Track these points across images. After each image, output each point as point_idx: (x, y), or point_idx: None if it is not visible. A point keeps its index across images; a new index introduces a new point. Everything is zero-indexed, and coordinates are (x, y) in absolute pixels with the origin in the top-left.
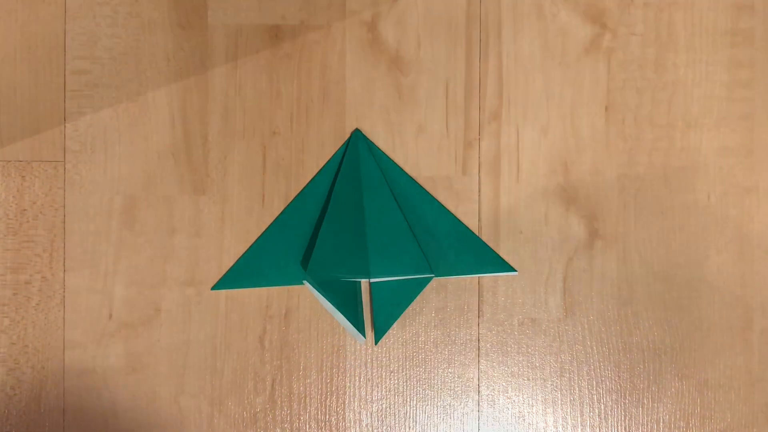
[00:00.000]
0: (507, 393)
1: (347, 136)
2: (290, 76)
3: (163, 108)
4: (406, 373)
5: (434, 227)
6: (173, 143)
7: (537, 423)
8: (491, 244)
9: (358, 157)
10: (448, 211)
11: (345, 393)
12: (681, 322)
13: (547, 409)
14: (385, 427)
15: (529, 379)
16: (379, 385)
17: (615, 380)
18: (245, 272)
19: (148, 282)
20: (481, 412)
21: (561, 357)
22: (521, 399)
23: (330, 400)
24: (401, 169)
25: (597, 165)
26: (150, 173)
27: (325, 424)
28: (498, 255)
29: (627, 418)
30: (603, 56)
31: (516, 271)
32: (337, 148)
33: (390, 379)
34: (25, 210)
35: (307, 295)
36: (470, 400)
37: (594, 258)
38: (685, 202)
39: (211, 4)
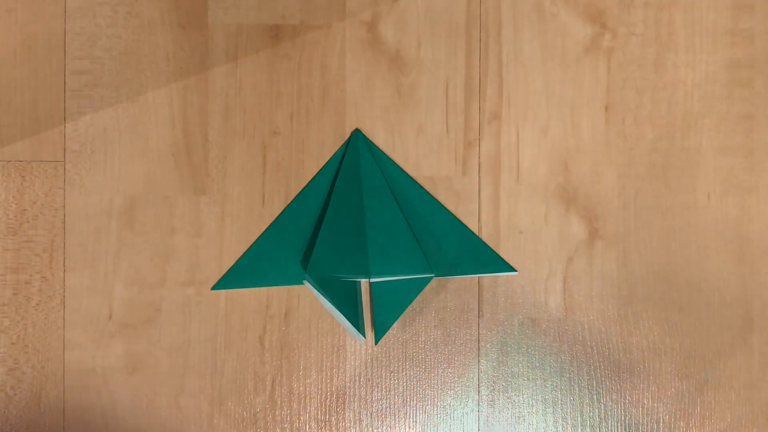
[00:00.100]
0: (507, 393)
1: (347, 136)
2: (290, 76)
3: (163, 108)
4: (406, 373)
5: (434, 227)
6: (173, 143)
7: (537, 423)
8: (491, 244)
9: (358, 157)
10: (448, 211)
11: (345, 393)
12: (681, 322)
13: (547, 409)
14: (385, 427)
15: (529, 379)
16: (379, 385)
17: (615, 380)
18: (245, 272)
19: (148, 282)
20: (481, 412)
21: (561, 357)
22: (521, 399)
23: (330, 400)
24: (401, 169)
25: (597, 165)
26: (150, 173)
27: (325, 424)
28: (498, 255)
29: (627, 418)
30: (603, 56)
31: (516, 271)
32: (337, 148)
33: (390, 379)
34: (25, 210)
35: (307, 295)
36: (470, 400)
37: (594, 258)
38: (685, 202)
39: (211, 4)
